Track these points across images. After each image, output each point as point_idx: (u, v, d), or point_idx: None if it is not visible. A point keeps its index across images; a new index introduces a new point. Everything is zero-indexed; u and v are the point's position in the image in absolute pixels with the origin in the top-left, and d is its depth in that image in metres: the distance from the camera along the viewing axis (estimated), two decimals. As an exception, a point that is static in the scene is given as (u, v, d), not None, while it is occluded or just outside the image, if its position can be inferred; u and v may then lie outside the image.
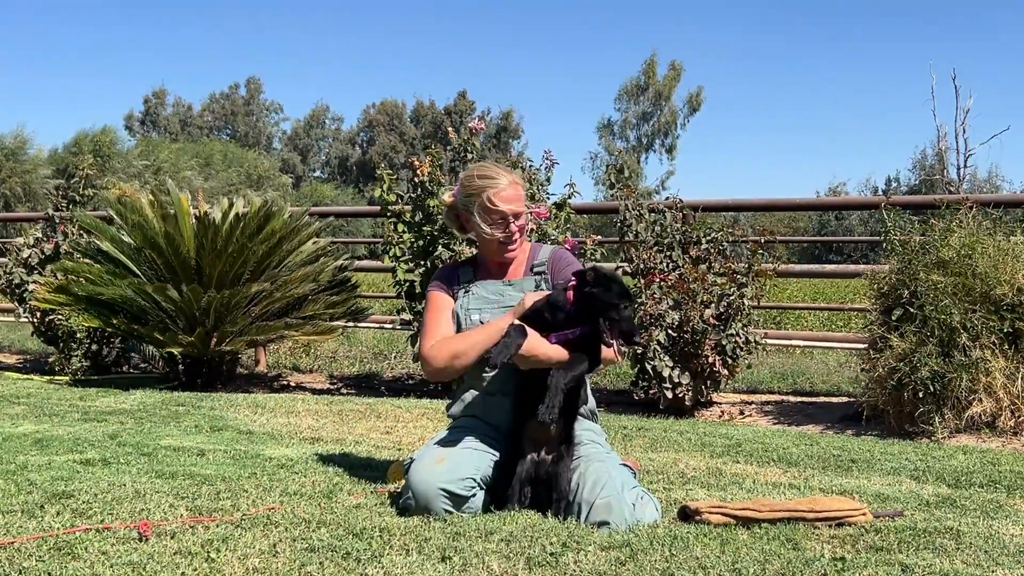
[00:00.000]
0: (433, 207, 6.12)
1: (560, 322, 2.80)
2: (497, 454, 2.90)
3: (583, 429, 2.94)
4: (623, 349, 2.99)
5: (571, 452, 2.84)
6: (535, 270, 3.07)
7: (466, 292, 3.05)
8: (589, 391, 3.09)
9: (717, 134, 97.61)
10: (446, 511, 2.70)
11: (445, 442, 2.91)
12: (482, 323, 2.95)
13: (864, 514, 2.74)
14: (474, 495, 2.77)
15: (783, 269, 6.71)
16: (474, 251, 3.51)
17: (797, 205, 8.08)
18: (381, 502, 2.87)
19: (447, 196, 3.18)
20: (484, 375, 2.97)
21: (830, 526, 2.67)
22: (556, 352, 2.78)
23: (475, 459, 2.84)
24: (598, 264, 5.12)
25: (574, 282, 2.81)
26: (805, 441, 4.50)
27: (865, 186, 50.17)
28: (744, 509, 2.69)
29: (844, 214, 41.04)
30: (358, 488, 3.07)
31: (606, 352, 2.82)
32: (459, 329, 3.01)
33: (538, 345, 2.78)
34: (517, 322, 2.82)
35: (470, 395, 3.03)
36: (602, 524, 2.61)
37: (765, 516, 2.67)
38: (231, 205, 6.88)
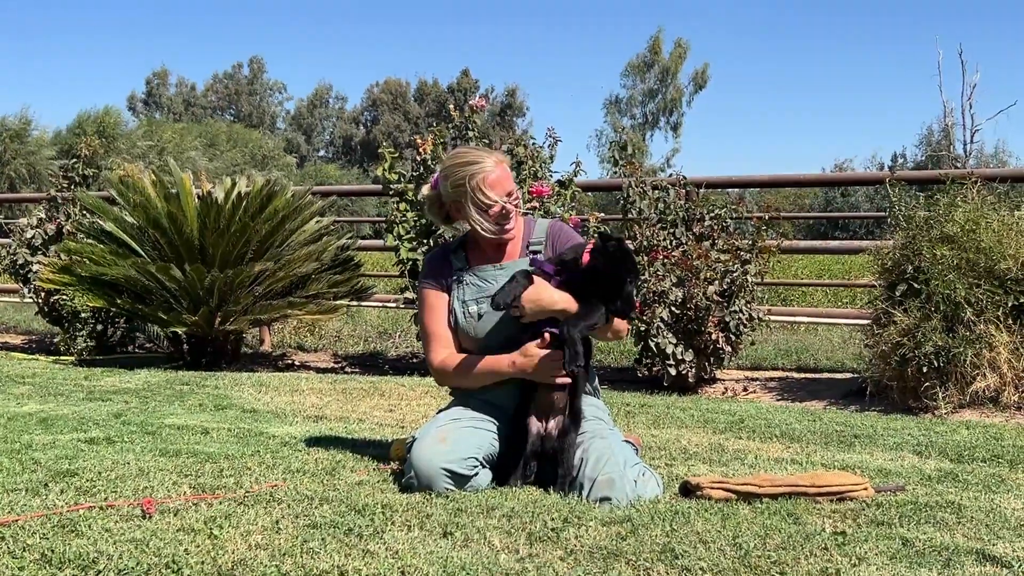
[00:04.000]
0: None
1: (566, 283, 2.80)
2: (499, 431, 2.90)
3: (586, 405, 2.94)
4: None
5: (577, 426, 2.84)
6: (531, 248, 3.03)
7: (459, 282, 3.00)
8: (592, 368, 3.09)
9: (723, 112, 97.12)
10: (448, 489, 2.71)
11: (447, 420, 2.90)
12: (480, 316, 2.94)
13: (866, 489, 2.75)
14: (476, 474, 2.77)
15: (787, 245, 6.69)
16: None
17: (802, 181, 8.06)
18: (384, 479, 2.89)
19: (427, 190, 3.09)
20: (486, 351, 2.95)
21: (831, 501, 2.67)
22: (563, 299, 2.77)
23: (477, 437, 2.84)
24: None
25: (593, 242, 2.80)
26: (808, 417, 4.50)
27: (871, 162, 49.93)
28: (745, 484, 2.70)
29: (850, 190, 40.88)
30: (361, 465, 3.08)
31: (618, 323, 2.84)
32: (457, 324, 2.97)
33: (544, 290, 2.78)
34: (523, 268, 2.83)
35: None
36: (604, 500, 2.62)
37: (766, 491, 2.67)
38: (234, 184, 6.87)
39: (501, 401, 2.94)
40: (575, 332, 2.70)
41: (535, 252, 3.01)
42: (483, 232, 2.94)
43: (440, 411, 3.07)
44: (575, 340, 2.70)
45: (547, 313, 2.77)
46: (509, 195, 2.92)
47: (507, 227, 2.96)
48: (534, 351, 2.82)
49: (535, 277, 2.80)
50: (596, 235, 2.82)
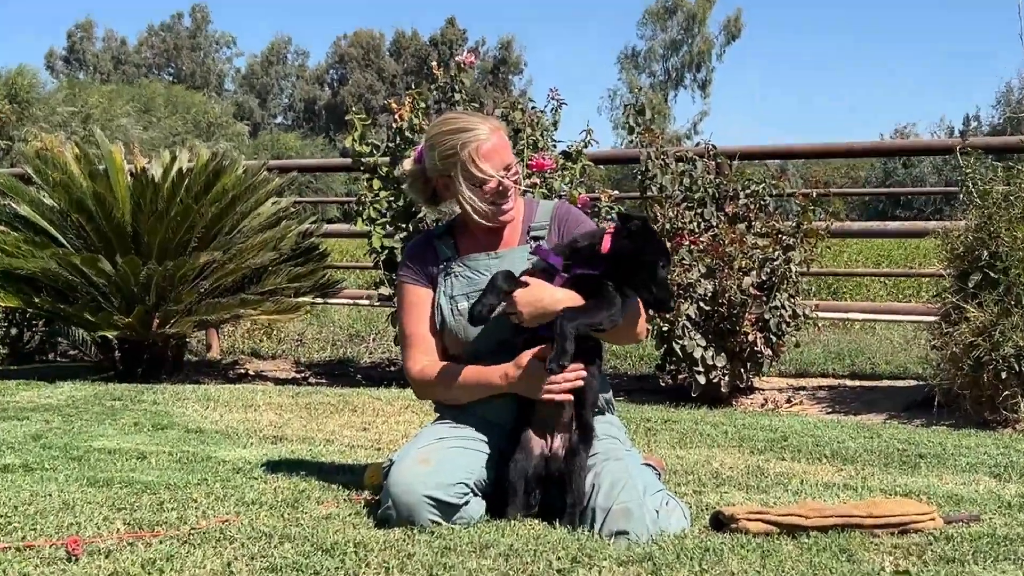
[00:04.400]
0: (416, 158, 6.10)
1: (577, 280, 2.81)
2: (495, 452, 2.91)
3: (599, 422, 2.94)
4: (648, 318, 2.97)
5: (588, 445, 2.84)
6: (532, 234, 3.02)
7: (447, 274, 3.00)
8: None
9: (760, 67, 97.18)
10: (433, 522, 2.71)
11: (430, 438, 2.90)
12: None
13: (933, 519, 2.76)
14: (467, 503, 2.77)
15: (839, 228, 6.69)
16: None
17: (856, 151, 8.04)
18: (356, 512, 2.89)
19: (409, 164, 3.08)
20: (476, 358, 2.95)
21: (892, 534, 2.68)
22: (568, 297, 2.77)
23: (467, 459, 2.84)
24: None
25: (613, 226, 2.81)
26: (864, 433, 4.51)
27: (938, 127, 50.08)
28: (789, 515, 2.70)
29: (913, 161, 40.92)
30: (329, 496, 3.08)
31: (640, 322, 2.86)
32: (443, 325, 2.97)
33: (542, 289, 2.76)
34: (505, 270, 2.83)
35: None
36: (620, 534, 2.62)
37: (814, 523, 2.68)
38: (174, 159, 6.87)
39: (497, 416, 2.94)
40: (568, 327, 2.69)
41: (537, 239, 3.00)
42: (475, 214, 2.93)
43: (424, 429, 3.07)
44: (567, 336, 2.68)
45: (551, 316, 2.75)
46: (507, 169, 2.92)
47: (504, 208, 2.95)
48: (530, 362, 2.82)
49: (530, 278, 2.79)
50: (614, 216, 2.81)
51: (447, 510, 2.72)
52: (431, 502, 2.70)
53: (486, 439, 2.93)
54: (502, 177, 2.90)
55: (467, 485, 2.78)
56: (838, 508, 2.78)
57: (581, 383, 2.80)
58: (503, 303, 2.77)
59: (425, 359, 2.99)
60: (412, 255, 3.08)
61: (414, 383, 3.04)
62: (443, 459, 2.79)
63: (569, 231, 3.00)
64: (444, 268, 3.00)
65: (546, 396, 2.79)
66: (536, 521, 2.79)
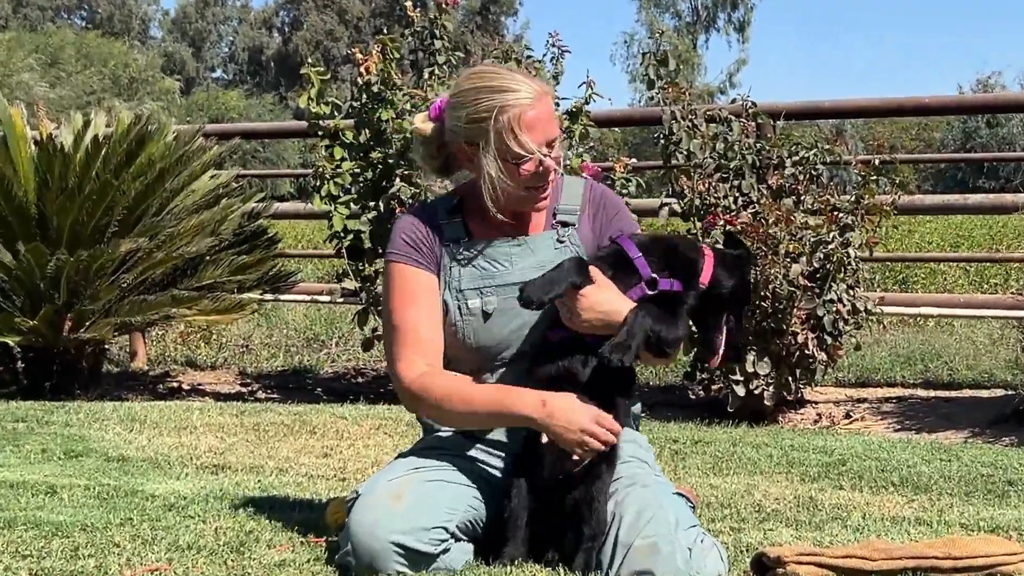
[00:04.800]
0: (387, 121, 6.10)
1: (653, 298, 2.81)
2: (490, 484, 2.90)
3: (623, 440, 2.93)
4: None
5: (612, 467, 2.85)
6: (559, 217, 2.98)
7: (455, 261, 2.94)
8: None
9: (811, 5, 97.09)
10: (400, 573, 2.69)
11: (406, 468, 2.88)
12: (486, 314, 2.90)
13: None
14: (446, 550, 2.75)
15: (907, 203, 6.70)
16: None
17: (929, 107, 8.02)
18: (316, 557, 2.88)
19: (421, 121, 3.02)
20: (485, 376, 2.92)
21: None
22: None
23: (451, 495, 2.81)
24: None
25: (711, 252, 2.83)
26: (940, 455, 4.52)
27: (1030, 77, 50.01)
28: (849, 557, 2.71)
29: (999, 119, 40.94)
30: (282, 538, 3.07)
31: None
32: (451, 334, 2.92)
33: (610, 293, 2.74)
34: (577, 256, 2.81)
35: None
36: (643, 574, 2.62)
37: (880, 567, 2.69)
38: (87, 124, 6.84)
39: (501, 437, 2.94)
40: (642, 325, 2.70)
41: (565, 223, 2.98)
42: (499, 199, 2.85)
43: (402, 454, 3.06)
44: (636, 333, 2.69)
45: (607, 329, 2.73)
46: (549, 145, 2.84)
47: (541, 195, 2.89)
48: (580, 398, 2.75)
49: (596, 272, 2.75)
50: (726, 234, 2.80)
51: (419, 559, 2.69)
52: (399, 550, 2.66)
53: (483, 466, 2.92)
54: (544, 155, 2.82)
55: (447, 530, 2.75)
56: (908, 548, 2.78)
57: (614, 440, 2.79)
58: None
59: (422, 362, 2.88)
60: (410, 229, 2.97)
61: (406, 393, 2.91)
62: (420, 496, 2.76)
63: (608, 220, 2.98)
64: (451, 253, 2.94)
65: (579, 451, 2.73)
66: (536, 566, 2.78)
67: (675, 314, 2.79)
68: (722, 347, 2.85)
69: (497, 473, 2.92)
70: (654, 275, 2.80)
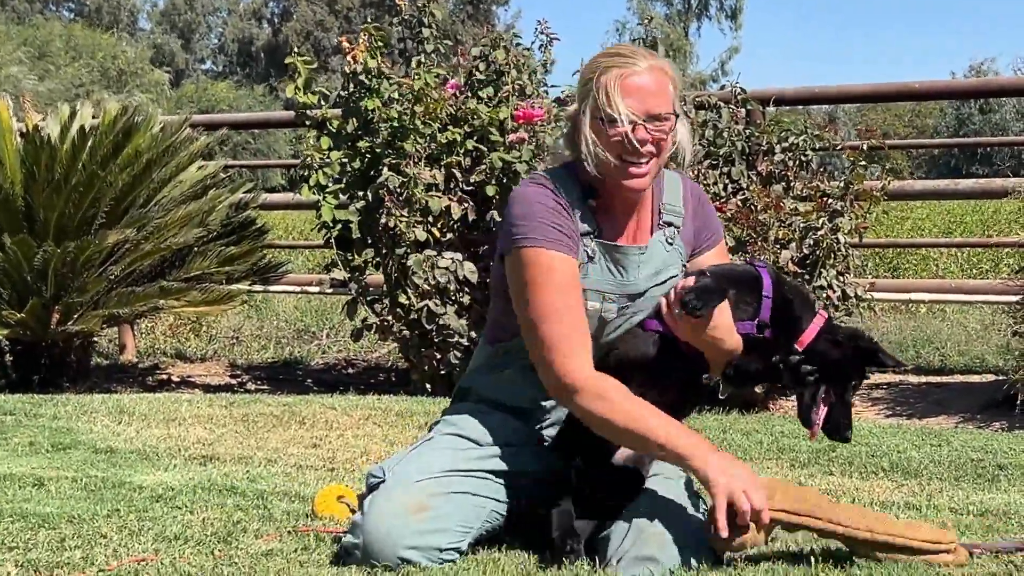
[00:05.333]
0: (374, 111, 6.09)
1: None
2: (519, 491, 2.89)
3: None
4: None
5: (647, 470, 2.87)
6: (664, 217, 2.91)
7: (589, 258, 2.82)
8: None
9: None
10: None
11: (440, 467, 2.81)
12: (604, 320, 2.83)
13: (951, 551, 2.68)
14: (452, 561, 2.74)
15: (897, 188, 6.70)
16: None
17: (919, 92, 8.02)
18: (304, 547, 2.89)
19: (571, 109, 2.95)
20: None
21: (896, 561, 2.65)
22: (737, 341, 2.76)
23: (472, 510, 2.79)
24: None
25: (821, 318, 2.80)
26: (930, 440, 4.53)
27: (1023, 62, 50.07)
28: (780, 511, 2.65)
29: (992, 104, 40.95)
30: (270, 527, 3.08)
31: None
32: None
33: (722, 319, 2.72)
34: (726, 270, 2.82)
35: (508, 374, 2.97)
36: (645, 560, 2.62)
37: (803, 522, 2.65)
38: (74, 115, 6.83)
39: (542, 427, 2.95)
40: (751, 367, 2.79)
41: (671, 224, 2.91)
42: (593, 159, 2.76)
43: (436, 439, 2.98)
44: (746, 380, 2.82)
45: (701, 344, 2.73)
46: (652, 119, 2.75)
47: (634, 170, 2.77)
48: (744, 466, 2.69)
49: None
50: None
51: (422, 570, 2.69)
52: (404, 562, 2.67)
53: (509, 469, 2.89)
54: (638, 120, 2.73)
55: (459, 550, 2.74)
56: (839, 511, 2.71)
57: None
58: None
59: (588, 360, 2.75)
60: (554, 208, 2.80)
61: (573, 389, 2.73)
62: (444, 510, 2.73)
63: (707, 224, 2.96)
64: (586, 248, 2.83)
65: (720, 516, 2.56)
66: (525, 555, 2.79)
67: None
68: (819, 422, 2.81)
69: (525, 467, 2.91)
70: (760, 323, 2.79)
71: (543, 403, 2.95)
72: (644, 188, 2.81)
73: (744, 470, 2.61)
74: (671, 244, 2.88)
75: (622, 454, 2.83)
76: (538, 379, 2.81)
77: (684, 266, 2.92)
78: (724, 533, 2.55)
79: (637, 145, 2.73)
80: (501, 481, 2.89)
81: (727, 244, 5.66)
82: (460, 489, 2.79)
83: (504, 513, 2.88)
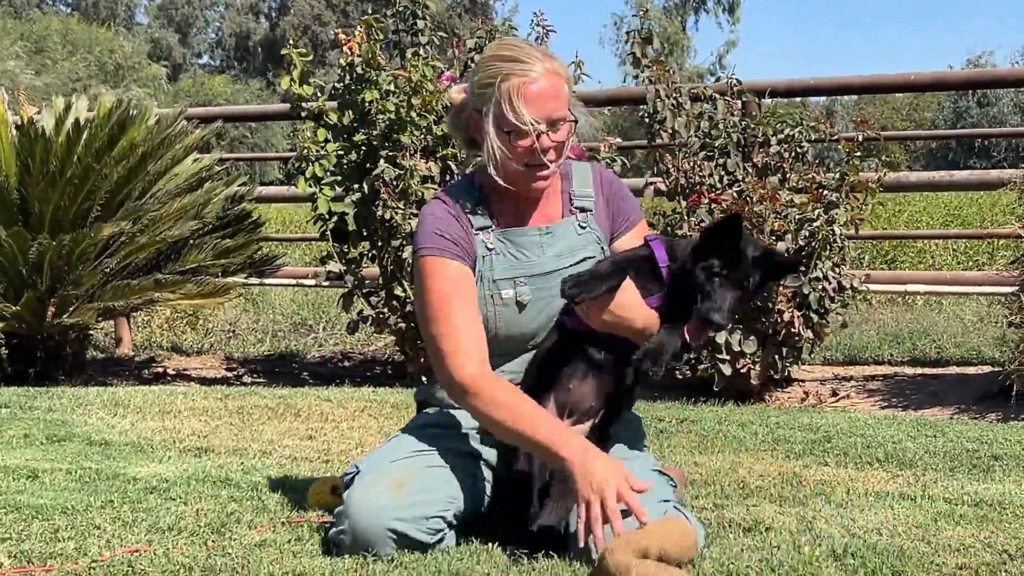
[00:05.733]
0: (371, 103, 6.09)
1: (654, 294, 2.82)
2: (485, 472, 2.92)
3: None
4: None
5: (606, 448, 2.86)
6: (575, 203, 2.98)
7: (487, 250, 2.92)
8: None
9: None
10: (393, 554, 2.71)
11: (408, 450, 2.88)
12: (520, 304, 2.90)
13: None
14: (441, 539, 2.77)
15: (893, 180, 6.69)
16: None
17: (917, 84, 8.02)
18: (297, 537, 2.89)
19: (455, 90, 3.06)
20: (499, 357, 2.93)
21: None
22: (650, 317, 2.78)
23: (451, 484, 2.82)
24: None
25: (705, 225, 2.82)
26: (926, 431, 4.53)
27: (1021, 55, 50.08)
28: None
29: (990, 96, 40.94)
30: (263, 518, 3.08)
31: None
32: (485, 310, 2.91)
33: (633, 301, 2.77)
34: (616, 257, 2.85)
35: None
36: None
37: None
38: (69, 108, 6.83)
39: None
40: (675, 347, 2.75)
41: (583, 209, 2.99)
42: (500, 170, 2.85)
43: (402, 431, 3.06)
44: (669, 349, 2.74)
45: (618, 330, 2.77)
46: (552, 125, 2.83)
47: (540, 175, 2.87)
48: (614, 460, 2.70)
49: (628, 280, 2.78)
50: (706, 212, 2.78)
51: (414, 546, 2.71)
52: (396, 536, 2.69)
53: (479, 454, 2.93)
54: (542, 130, 2.81)
55: (444, 519, 2.77)
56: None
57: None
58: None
59: (477, 359, 2.81)
60: (442, 221, 2.92)
61: (459, 388, 2.81)
62: (422, 483, 2.77)
63: (619, 206, 3.01)
64: (483, 243, 2.91)
65: (582, 507, 2.59)
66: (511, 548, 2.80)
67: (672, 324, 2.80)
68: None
69: (490, 458, 2.94)
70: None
71: None
72: (547, 187, 2.93)
73: (610, 477, 2.59)
74: (584, 228, 2.96)
75: None
76: None
77: (604, 248, 2.98)
78: (581, 542, 2.58)
79: (541, 154, 2.83)
80: (476, 459, 2.93)
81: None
82: (435, 463, 2.84)
83: (487, 492, 2.91)
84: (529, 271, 2.91)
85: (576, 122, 2.88)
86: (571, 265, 2.91)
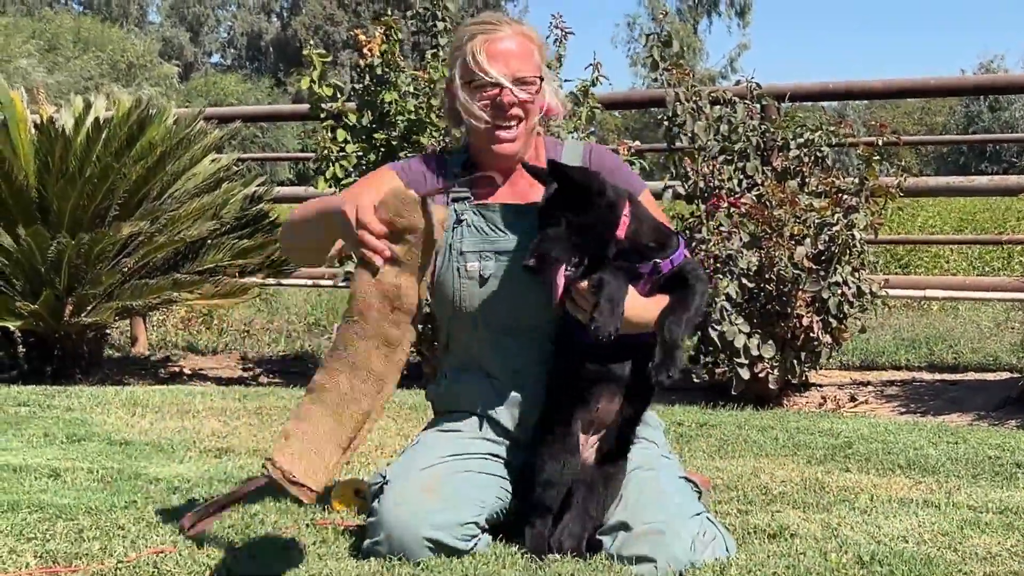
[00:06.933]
0: (390, 103, 6.09)
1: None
2: (512, 473, 2.91)
3: None
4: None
5: (628, 449, 2.86)
6: None
7: (458, 221, 2.96)
8: None
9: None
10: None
11: (436, 455, 2.87)
12: (483, 278, 2.91)
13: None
14: (475, 544, 2.76)
15: (913, 185, 6.67)
16: None
17: (932, 89, 8.00)
18: (322, 539, 2.90)
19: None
20: (492, 355, 2.95)
21: None
22: (655, 306, 2.74)
23: (481, 489, 2.82)
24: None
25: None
26: (947, 437, 4.52)
27: (1033, 59, 49.88)
28: None
29: (1002, 101, 40.89)
30: (287, 520, 3.08)
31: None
32: (441, 291, 2.96)
33: (635, 302, 2.72)
34: (614, 268, 2.71)
35: (470, 376, 3.00)
36: (642, 561, 2.62)
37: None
38: (88, 107, 6.82)
39: (516, 425, 2.94)
40: (680, 334, 2.70)
41: None
42: (473, 120, 2.90)
43: (424, 438, 3.05)
44: (676, 344, 2.69)
45: (638, 330, 2.73)
46: (518, 82, 2.87)
47: (503, 127, 2.90)
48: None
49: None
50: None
51: (449, 553, 2.69)
52: (432, 545, 2.67)
53: (501, 456, 2.93)
54: (503, 82, 2.85)
55: (477, 524, 2.76)
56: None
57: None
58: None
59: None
60: (413, 162, 3.07)
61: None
62: (453, 489, 2.76)
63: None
64: (455, 212, 2.95)
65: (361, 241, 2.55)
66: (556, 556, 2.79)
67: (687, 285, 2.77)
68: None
69: (509, 459, 2.94)
70: (656, 260, 2.77)
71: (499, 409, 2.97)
72: (514, 152, 2.94)
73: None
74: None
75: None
76: (490, 387, 2.94)
77: None
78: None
79: (504, 108, 2.87)
80: (500, 460, 2.92)
81: (741, 237, 5.68)
82: (461, 468, 2.84)
83: (510, 492, 2.90)
84: (495, 247, 2.92)
85: (542, 80, 2.92)
86: None
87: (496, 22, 2.93)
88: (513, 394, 2.94)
